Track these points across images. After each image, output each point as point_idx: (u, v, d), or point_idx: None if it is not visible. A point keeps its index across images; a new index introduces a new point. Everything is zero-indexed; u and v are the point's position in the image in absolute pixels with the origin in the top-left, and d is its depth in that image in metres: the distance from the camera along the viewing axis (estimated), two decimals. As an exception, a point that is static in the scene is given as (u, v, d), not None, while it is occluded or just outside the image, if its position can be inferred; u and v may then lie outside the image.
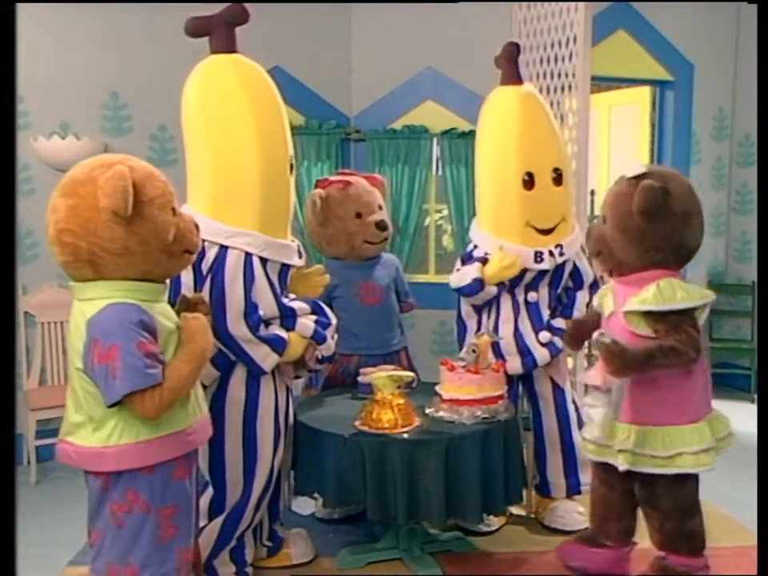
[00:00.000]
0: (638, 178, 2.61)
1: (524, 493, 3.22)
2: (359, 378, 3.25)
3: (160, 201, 2.15)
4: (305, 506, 3.55)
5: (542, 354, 3.25)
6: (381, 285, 3.60)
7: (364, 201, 3.54)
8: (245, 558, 2.86)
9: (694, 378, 2.69)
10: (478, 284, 3.20)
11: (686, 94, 5.64)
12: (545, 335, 3.27)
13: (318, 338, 2.81)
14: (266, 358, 2.70)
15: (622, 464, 2.66)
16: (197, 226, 2.28)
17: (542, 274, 3.28)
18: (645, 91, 5.73)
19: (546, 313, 3.33)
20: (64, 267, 2.16)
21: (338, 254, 3.60)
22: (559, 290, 3.38)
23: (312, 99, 5.04)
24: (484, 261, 3.24)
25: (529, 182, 3.18)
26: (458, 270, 3.34)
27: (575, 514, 3.35)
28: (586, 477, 3.36)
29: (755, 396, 5.34)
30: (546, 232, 3.22)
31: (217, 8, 2.69)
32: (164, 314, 2.20)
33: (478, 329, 3.35)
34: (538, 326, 3.29)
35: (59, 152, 4.33)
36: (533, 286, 3.30)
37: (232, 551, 2.81)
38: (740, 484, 3.86)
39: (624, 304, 2.65)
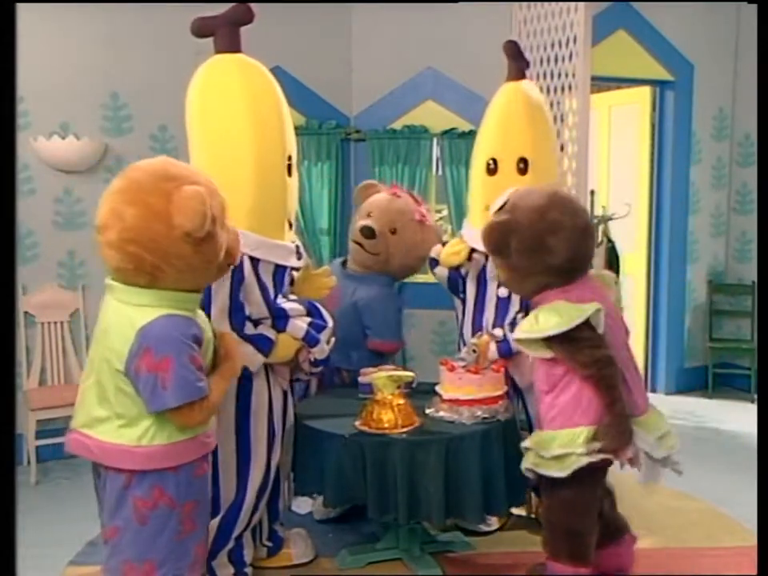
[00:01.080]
0: (497, 211, 2.73)
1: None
2: (359, 378, 3.25)
3: (221, 219, 2.22)
4: (303, 505, 3.55)
5: (490, 351, 3.20)
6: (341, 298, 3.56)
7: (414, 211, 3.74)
8: (243, 559, 2.85)
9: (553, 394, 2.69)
10: (434, 263, 3.48)
11: (686, 94, 5.64)
12: (498, 332, 3.26)
13: (309, 340, 2.78)
14: (250, 358, 2.67)
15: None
16: (237, 237, 2.34)
17: None
18: (645, 91, 5.72)
19: (514, 310, 3.31)
20: (118, 272, 2.17)
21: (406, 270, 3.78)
22: None
23: (312, 99, 5.04)
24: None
25: (493, 168, 3.23)
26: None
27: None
28: None
29: (755, 396, 5.34)
30: None
31: (219, 8, 2.70)
32: (203, 324, 2.28)
33: (462, 319, 3.43)
34: (499, 321, 3.29)
35: (59, 152, 4.33)
36: None
37: (230, 552, 2.81)
38: (740, 484, 3.87)
39: None
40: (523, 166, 3.21)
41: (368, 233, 3.57)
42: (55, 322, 4.41)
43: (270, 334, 2.72)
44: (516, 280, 2.75)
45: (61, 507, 3.81)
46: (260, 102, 2.69)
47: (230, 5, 2.67)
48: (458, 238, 3.40)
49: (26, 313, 4.37)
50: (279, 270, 2.77)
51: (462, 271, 3.39)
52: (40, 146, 4.31)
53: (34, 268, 4.36)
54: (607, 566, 2.87)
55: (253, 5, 2.67)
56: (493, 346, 3.20)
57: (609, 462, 2.67)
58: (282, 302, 2.80)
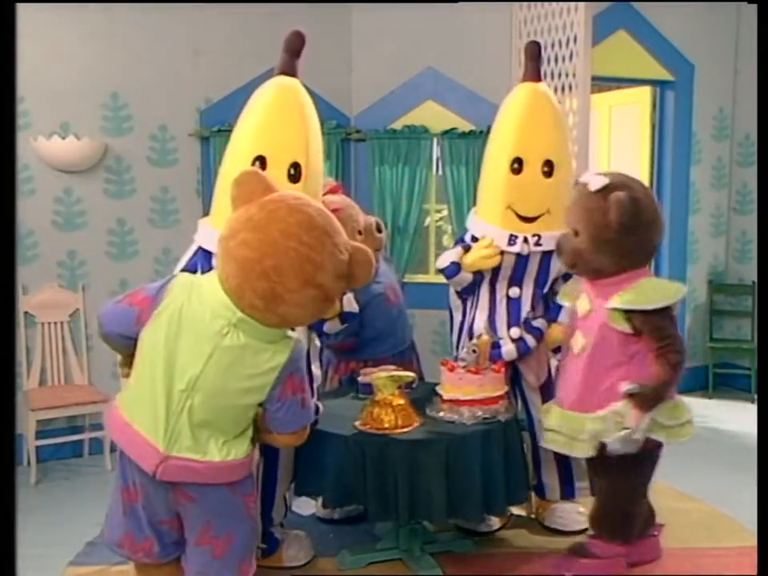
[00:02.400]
0: (604, 190, 2.70)
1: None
2: (359, 378, 3.24)
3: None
4: (305, 506, 3.54)
5: (508, 349, 3.21)
6: (395, 284, 3.61)
7: (355, 217, 3.50)
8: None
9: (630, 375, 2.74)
10: (455, 267, 3.26)
11: (686, 94, 5.65)
12: (515, 331, 3.25)
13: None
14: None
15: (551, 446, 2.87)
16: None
17: (523, 268, 3.27)
18: (645, 91, 5.73)
19: (525, 311, 3.30)
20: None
21: None
22: (545, 290, 3.36)
23: (312, 99, 5.04)
24: (467, 248, 3.29)
25: (518, 168, 3.21)
26: (456, 242, 3.45)
27: (575, 514, 3.35)
28: (581, 481, 3.36)
29: (755, 396, 5.34)
30: (528, 220, 3.21)
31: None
32: None
33: (462, 320, 3.38)
34: (513, 321, 3.28)
35: (59, 152, 4.34)
36: (515, 281, 3.29)
37: None
38: (740, 484, 3.87)
39: (601, 303, 2.75)
40: (548, 168, 3.18)
41: (380, 227, 3.56)
42: (55, 322, 4.42)
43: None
44: (614, 257, 2.73)
45: (60, 507, 3.81)
46: (274, 118, 2.73)
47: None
48: (486, 239, 3.24)
49: (26, 313, 4.37)
50: None
51: (485, 272, 3.30)
52: (40, 146, 4.32)
53: (33, 268, 4.37)
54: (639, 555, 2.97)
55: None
56: (512, 346, 3.22)
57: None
58: None
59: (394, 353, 3.47)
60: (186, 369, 2.16)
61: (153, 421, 2.18)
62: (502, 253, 3.23)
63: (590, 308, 2.82)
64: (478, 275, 3.29)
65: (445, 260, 3.32)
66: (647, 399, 2.65)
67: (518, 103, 3.27)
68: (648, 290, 2.71)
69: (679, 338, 2.73)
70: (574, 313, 2.92)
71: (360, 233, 3.44)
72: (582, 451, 2.79)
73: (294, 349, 2.20)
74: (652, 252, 2.84)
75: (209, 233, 2.60)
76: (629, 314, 2.69)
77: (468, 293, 3.37)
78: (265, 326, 2.13)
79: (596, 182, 2.74)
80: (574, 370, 2.85)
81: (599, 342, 2.77)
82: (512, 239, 3.20)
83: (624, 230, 2.66)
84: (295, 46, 2.70)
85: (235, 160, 2.66)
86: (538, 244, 3.21)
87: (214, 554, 2.30)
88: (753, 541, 3.19)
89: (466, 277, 3.28)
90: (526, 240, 3.19)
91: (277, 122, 2.73)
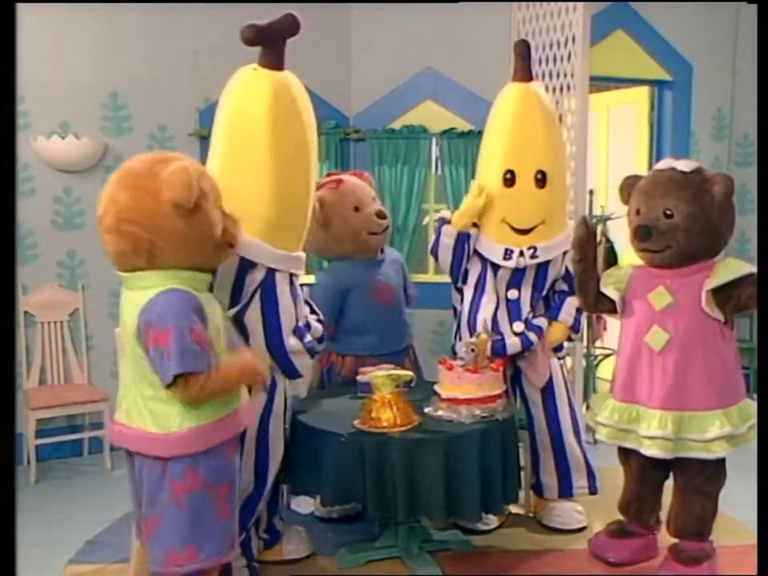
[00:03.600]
0: (698, 172, 2.74)
1: (521, 492, 3.23)
2: (358, 378, 3.25)
3: (213, 197, 2.29)
4: (305, 504, 3.56)
5: (512, 342, 3.23)
6: (393, 284, 3.61)
7: (358, 195, 3.55)
8: (252, 552, 2.91)
9: (728, 365, 2.83)
10: (441, 221, 3.36)
11: (684, 94, 5.65)
12: (518, 325, 3.27)
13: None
14: (306, 364, 2.92)
15: (655, 452, 2.76)
16: (237, 222, 2.42)
17: (521, 276, 3.27)
18: (643, 91, 5.73)
19: (525, 311, 3.32)
20: (118, 256, 2.25)
21: (344, 253, 3.55)
22: (544, 293, 3.36)
23: (311, 99, 5.04)
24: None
25: (510, 179, 3.19)
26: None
27: (573, 513, 3.37)
28: (580, 480, 3.37)
29: (755, 395, 5.34)
30: (523, 232, 3.21)
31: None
32: (209, 305, 2.31)
33: (461, 315, 3.41)
34: (514, 318, 3.30)
35: (59, 152, 4.34)
36: (513, 283, 3.30)
37: (242, 544, 2.84)
38: (739, 484, 3.87)
39: (690, 293, 2.74)
40: (541, 177, 3.18)
41: (384, 214, 3.57)
42: (55, 322, 4.42)
43: (314, 342, 2.93)
44: (711, 238, 2.77)
45: (60, 506, 3.82)
46: (285, 120, 2.74)
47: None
48: (473, 189, 3.26)
49: (25, 312, 4.38)
50: (293, 280, 2.89)
51: (472, 237, 3.27)
52: (40, 146, 4.32)
53: (33, 268, 4.37)
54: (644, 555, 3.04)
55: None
56: (516, 339, 3.24)
57: None
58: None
59: (379, 353, 3.45)
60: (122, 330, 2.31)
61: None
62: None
63: (671, 300, 2.77)
64: (467, 236, 3.27)
65: (442, 212, 3.46)
66: None
67: (507, 110, 3.24)
68: (734, 265, 2.73)
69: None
70: (646, 307, 2.83)
71: (357, 209, 3.50)
72: (708, 452, 2.76)
73: (152, 299, 2.17)
74: (729, 238, 2.84)
75: None
76: (719, 294, 2.71)
77: (460, 262, 3.32)
78: (130, 270, 2.25)
79: (686, 164, 2.76)
80: (660, 368, 2.79)
81: (687, 334, 2.75)
82: (507, 254, 3.21)
83: (725, 209, 2.71)
84: (290, 32, 2.67)
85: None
86: (534, 256, 3.21)
87: (144, 532, 2.30)
88: (751, 540, 3.20)
89: (447, 241, 3.29)
90: (521, 254, 3.20)
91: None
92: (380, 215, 3.53)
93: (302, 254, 2.93)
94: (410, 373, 3.03)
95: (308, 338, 2.88)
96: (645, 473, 2.97)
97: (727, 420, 2.75)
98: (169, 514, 2.22)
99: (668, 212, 2.72)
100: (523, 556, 3.18)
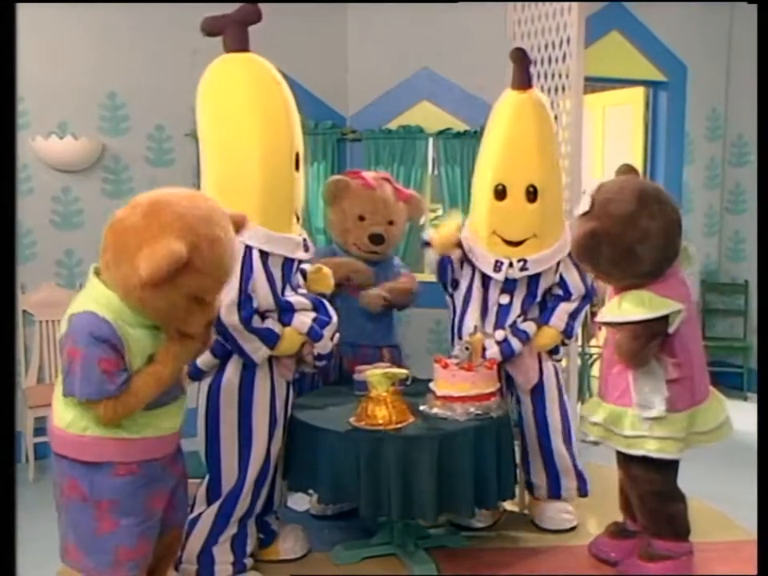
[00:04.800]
0: (584, 215, 2.80)
1: (516, 489, 3.26)
2: (354, 376, 3.28)
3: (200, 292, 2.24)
4: (300, 502, 3.58)
5: (492, 351, 3.24)
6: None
7: (373, 208, 3.58)
8: (245, 549, 2.91)
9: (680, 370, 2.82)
10: (423, 243, 3.48)
11: (679, 95, 5.68)
12: (500, 333, 3.29)
13: (313, 336, 2.84)
14: (256, 350, 2.77)
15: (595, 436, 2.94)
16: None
17: (513, 283, 3.30)
18: (638, 92, 5.76)
19: (513, 317, 3.34)
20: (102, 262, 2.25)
21: (335, 240, 3.70)
22: (537, 299, 3.37)
23: (308, 99, 5.05)
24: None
25: (501, 192, 3.21)
26: None
27: (562, 513, 3.37)
28: (569, 482, 3.39)
29: (747, 394, 5.38)
30: (514, 244, 3.24)
31: (218, 8, 2.73)
32: (143, 338, 2.23)
33: (453, 318, 3.45)
34: (500, 324, 3.32)
35: (57, 152, 4.35)
36: (506, 289, 3.32)
37: (234, 538, 2.86)
38: (731, 481, 3.90)
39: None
40: (533, 191, 3.19)
41: (379, 240, 3.61)
42: (53, 321, 4.43)
43: (276, 328, 2.79)
44: (605, 280, 2.95)
45: (59, 504, 3.84)
46: (268, 100, 2.75)
47: (229, 5, 2.71)
48: (448, 219, 3.43)
49: (24, 311, 4.39)
50: (287, 263, 2.84)
51: (453, 258, 3.38)
52: (38, 146, 4.34)
53: (32, 267, 4.39)
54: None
55: (249, 5, 2.71)
56: (496, 348, 3.25)
57: None
58: (289, 295, 2.86)
59: (359, 343, 3.53)
60: None
61: None
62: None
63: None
64: (448, 259, 3.38)
65: (425, 235, 3.49)
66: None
67: (502, 121, 3.24)
68: (627, 304, 2.78)
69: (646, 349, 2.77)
70: None
71: (362, 218, 3.58)
72: (626, 448, 2.89)
73: (78, 314, 2.19)
74: (651, 267, 2.78)
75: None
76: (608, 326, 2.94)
77: (444, 278, 3.44)
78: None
79: (581, 206, 2.83)
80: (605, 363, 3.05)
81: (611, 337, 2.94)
82: (497, 265, 3.23)
83: (587, 261, 2.90)
84: (250, 18, 2.70)
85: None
86: (524, 269, 3.22)
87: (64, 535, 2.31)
88: (744, 536, 3.25)
89: (430, 257, 3.45)
90: (511, 265, 3.22)
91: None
92: (374, 239, 3.57)
93: (291, 236, 2.84)
94: (405, 371, 3.05)
95: (258, 321, 2.74)
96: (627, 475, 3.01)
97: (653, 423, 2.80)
98: (61, 510, 2.29)
99: None
100: (519, 553, 3.20)
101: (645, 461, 2.82)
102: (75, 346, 2.14)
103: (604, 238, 2.72)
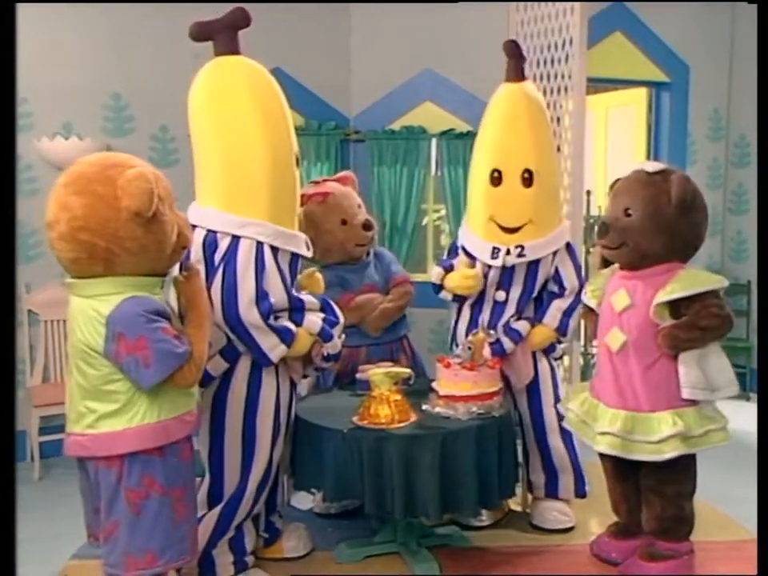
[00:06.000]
0: (661, 173, 2.75)
1: (518, 488, 3.27)
2: (357, 375, 3.29)
3: (168, 201, 2.26)
4: (304, 501, 3.60)
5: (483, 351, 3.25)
6: (378, 286, 3.64)
7: (345, 207, 3.55)
8: (244, 547, 2.91)
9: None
10: (436, 288, 3.43)
11: (681, 95, 5.69)
12: (491, 333, 3.30)
13: (324, 336, 2.85)
14: (273, 348, 2.74)
15: (604, 448, 2.79)
16: (188, 222, 2.41)
17: (510, 276, 3.30)
18: (641, 92, 5.77)
19: (509, 314, 3.35)
20: (72, 263, 2.20)
21: (332, 260, 3.59)
22: (535, 293, 3.38)
23: (312, 100, 5.09)
24: (449, 267, 3.39)
25: (497, 178, 3.22)
26: (441, 259, 3.55)
27: (558, 514, 3.35)
28: (567, 482, 3.38)
29: (750, 394, 5.38)
30: (510, 230, 3.24)
31: (217, 9, 2.75)
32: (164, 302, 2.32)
33: (457, 319, 3.47)
34: (493, 324, 3.34)
35: (62, 152, 4.37)
36: (503, 286, 3.33)
37: (231, 540, 2.86)
38: (732, 480, 3.91)
39: (645, 298, 2.76)
40: (528, 176, 3.20)
41: (370, 225, 3.60)
42: (58, 320, 4.45)
43: (292, 326, 2.80)
44: (668, 240, 2.77)
45: (63, 503, 3.85)
46: (266, 101, 2.78)
47: (228, 5, 2.73)
48: (466, 264, 3.33)
49: (29, 311, 4.42)
50: (294, 260, 2.86)
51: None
52: (43, 147, 4.36)
53: (37, 266, 4.40)
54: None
55: (250, 6, 2.73)
56: (487, 348, 3.24)
57: None
58: (299, 293, 2.89)
59: (369, 343, 3.54)
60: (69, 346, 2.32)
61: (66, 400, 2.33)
62: (489, 266, 3.28)
63: (629, 302, 2.80)
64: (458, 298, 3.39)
65: (432, 276, 3.46)
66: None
67: (496, 110, 3.29)
68: (694, 278, 2.74)
69: (723, 306, 2.72)
70: (609, 309, 2.89)
71: (345, 222, 3.52)
72: (658, 454, 2.73)
73: (117, 308, 2.14)
74: (699, 242, 2.85)
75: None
76: (676, 304, 2.71)
77: (459, 298, 3.43)
78: (84, 277, 2.22)
79: (653, 165, 2.79)
80: (616, 369, 2.83)
81: (640, 337, 2.77)
82: (495, 252, 3.24)
83: (682, 210, 2.70)
84: (240, 23, 2.72)
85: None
86: (521, 255, 3.22)
87: (102, 536, 2.29)
88: (744, 536, 3.25)
89: (446, 296, 3.42)
90: (508, 252, 3.22)
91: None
92: (366, 226, 3.56)
93: (298, 233, 2.88)
94: (407, 371, 3.07)
95: (273, 320, 2.73)
96: (622, 473, 2.98)
97: (681, 420, 2.71)
98: (126, 521, 2.21)
99: (628, 211, 2.77)
100: (521, 552, 3.20)
101: (680, 461, 2.74)
102: (136, 335, 2.12)
103: (697, 188, 2.77)
